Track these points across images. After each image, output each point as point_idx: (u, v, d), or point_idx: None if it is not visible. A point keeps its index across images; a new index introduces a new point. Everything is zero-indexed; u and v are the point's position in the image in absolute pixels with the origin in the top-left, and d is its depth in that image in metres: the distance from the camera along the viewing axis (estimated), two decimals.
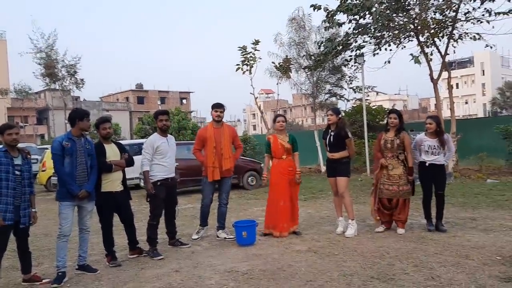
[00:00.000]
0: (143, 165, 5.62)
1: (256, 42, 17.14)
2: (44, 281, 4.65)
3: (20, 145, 4.75)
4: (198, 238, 6.18)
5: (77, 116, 4.90)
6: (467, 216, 7.08)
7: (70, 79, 28.80)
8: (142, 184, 11.77)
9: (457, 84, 61.36)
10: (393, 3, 12.40)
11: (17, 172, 4.36)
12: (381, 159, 6.28)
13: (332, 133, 6.28)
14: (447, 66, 13.59)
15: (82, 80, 29.32)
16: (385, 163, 6.21)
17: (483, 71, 59.85)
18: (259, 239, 6.10)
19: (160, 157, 5.67)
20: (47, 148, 19.39)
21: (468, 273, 4.27)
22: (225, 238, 6.25)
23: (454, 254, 4.92)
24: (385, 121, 6.57)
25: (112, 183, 5.26)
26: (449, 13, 12.76)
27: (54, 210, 10.24)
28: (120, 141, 6.80)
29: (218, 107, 6.30)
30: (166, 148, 5.73)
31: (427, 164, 6.22)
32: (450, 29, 12.96)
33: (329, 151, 6.34)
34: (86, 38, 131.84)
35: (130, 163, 5.48)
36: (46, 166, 15.05)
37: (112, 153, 5.32)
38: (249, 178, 13.09)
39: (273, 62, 17.77)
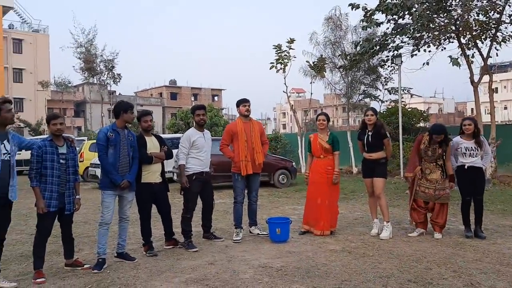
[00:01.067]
0: (179, 159, 5.73)
1: (291, 41, 17.09)
2: (85, 266, 4.82)
3: None
4: (240, 239, 6.04)
5: (122, 108, 5.07)
6: (507, 224, 6.86)
7: (108, 73, 29.60)
8: (175, 178, 11.98)
9: (496, 89, 59.33)
10: (434, 4, 12.12)
11: (62, 161, 4.52)
12: (417, 168, 6.14)
13: (370, 133, 6.21)
14: (488, 69, 13.19)
15: (119, 75, 30.10)
16: (419, 174, 6.09)
17: None
18: (292, 236, 6.12)
19: (196, 151, 5.76)
20: (84, 140, 20.03)
21: (510, 281, 4.15)
22: (258, 234, 6.29)
23: (494, 261, 4.79)
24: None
25: (152, 174, 5.40)
26: (493, 14, 12.36)
27: (91, 199, 10.60)
28: None
29: (245, 101, 6.29)
30: (203, 143, 5.82)
31: (466, 167, 6.06)
32: (493, 31, 12.56)
33: (367, 151, 6.27)
34: (123, 34, 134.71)
35: (170, 155, 5.61)
36: (83, 157, 15.51)
37: (152, 145, 5.46)
38: (280, 176, 13.09)
39: (307, 61, 17.69)
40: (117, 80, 29.96)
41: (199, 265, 4.89)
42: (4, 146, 4.23)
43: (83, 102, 49.75)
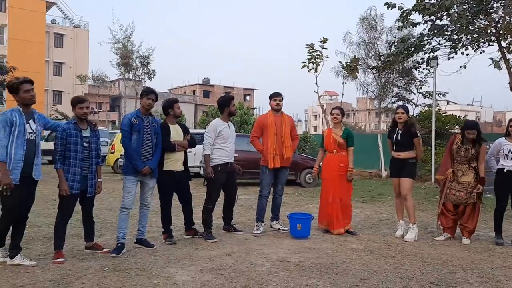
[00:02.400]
0: (205, 149, 5.71)
1: (324, 40, 16.91)
2: (104, 250, 4.88)
3: None
4: (260, 233, 5.99)
5: (142, 93, 5.20)
6: None
7: (143, 69, 30.12)
8: (202, 172, 12.04)
9: None
10: (475, 5, 11.71)
11: (85, 144, 4.57)
12: (449, 170, 5.92)
13: (400, 131, 6.02)
14: None
15: (153, 71, 30.54)
16: (451, 176, 5.86)
17: None
18: (313, 233, 6.00)
19: (222, 142, 5.74)
20: (117, 133, 20.49)
21: None
22: (279, 229, 6.21)
23: None
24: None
25: (174, 162, 5.41)
26: None
27: (119, 189, 10.73)
28: None
29: (277, 95, 6.23)
30: (228, 133, 5.80)
31: (505, 170, 5.78)
32: None
33: (395, 150, 6.09)
34: (160, 31, 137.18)
35: (193, 144, 5.63)
36: (114, 149, 15.85)
37: (176, 133, 5.48)
38: (307, 176, 12.93)
39: (340, 62, 17.43)
40: (152, 76, 30.41)
41: (216, 256, 4.86)
42: (30, 125, 4.31)
43: (118, 97, 50.93)
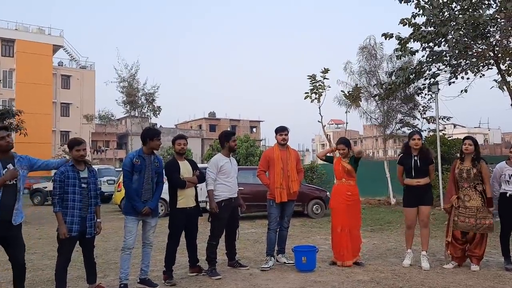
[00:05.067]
0: (208, 184, 5.73)
1: (326, 71, 17.08)
2: None
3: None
4: (269, 268, 5.89)
5: (148, 135, 5.17)
6: None
7: (149, 106, 30.57)
8: (208, 207, 12.02)
9: None
10: (471, 31, 11.88)
11: (83, 185, 4.58)
12: (453, 197, 5.88)
13: (416, 158, 5.93)
14: None
15: (159, 107, 30.99)
16: (456, 203, 5.82)
17: None
18: (320, 265, 5.92)
19: (224, 177, 5.77)
20: None
21: None
22: (284, 262, 6.14)
23: None
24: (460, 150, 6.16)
25: (186, 199, 5.46)
26: None
27: None
28: None
29: (282, 130, 6.30)
30: (229, 168, 5.83)
31: (508, 195, 5.73)
32: None
33: (414, 177, 5.92)
34: (165, 68, 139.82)
35: (202, 179, 5.68)
36: (121, 187, 15.90)
37: (185, 169, 5.53)
38: (314, 206, 12.83)
39: (342, 91, 17.59)
40: (157, 112, 30.84)
41: None
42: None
43: (125, 135, 51.48)
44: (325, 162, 6.91)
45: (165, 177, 5.42)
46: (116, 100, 31.37)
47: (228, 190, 5.76)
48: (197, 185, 5.67)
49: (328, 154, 6.57)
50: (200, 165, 9.59)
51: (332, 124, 70.71)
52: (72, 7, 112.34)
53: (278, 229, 6.18)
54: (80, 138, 4.94)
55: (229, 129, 30.44)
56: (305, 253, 5.71)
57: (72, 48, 47.48)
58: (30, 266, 6.34)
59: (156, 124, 50.80)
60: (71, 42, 72.62)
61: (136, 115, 32.38)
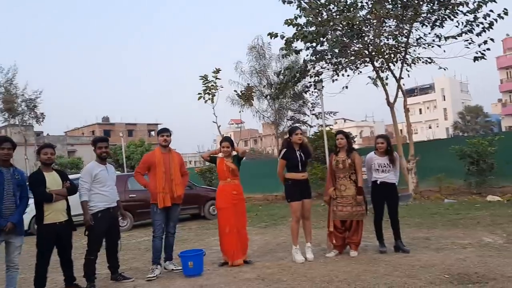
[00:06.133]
0: (81, 195, 5.29)
1: (217, 71, 17.14)
2: None
3: None
4: (155, 277, 5.61)
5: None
6: (421, 236, 7.02)
7: (30, 113, 28.06)
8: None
9: (420, 110, 63.20)
10: (348, 30, 12.72)
11: None
12: (330, 189, 6.18)
13: (299, 152, 6.01)
14: (402, 90, 13.90)
15: (42, 114, 28.60)
16: (334, 194, 6.12)
17: (444, 96, 61.86)
18: (208, 269, 5.82)
19: (100, 186, 5.38)
20: None
21: None
22: (172, 269, 5.93)
23: (402, 275, 4.79)
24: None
25: (54, 213, 4.96)
26: (401, 39, 13.17)
27: None
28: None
29: (164, 131, 6.09)
30: (105, 176, 5.45)
31: (378, 182, 6.17)
32: (403, 54, 13.34)
33: (301, 171, 6.00)
34: (48, 72, 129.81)
35: (73, 191, 5.21)
36: None
37: (53, 181, 5.03)
38: (211, 208, 12.75)
39: (235, 91, 17.82)
40: (40, 119, 28.43)
41: None
42: None
43: None
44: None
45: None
46: None
47: (105, 200, 5.39)
48: (69, 197, 5.20)
49: (212, 155, 6.49)
50: (74, 176, 9.01)
51: (232, 123, 71.45)
52: None
53: (164, 236, 5.95)
54: None
55: (121, 135, 28.97)
56: (191, 258, 5.57)
57: None
58: None
59: (41, 132, 46.96)
60: None
61: (17, 123, 29.53)
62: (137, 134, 57.11)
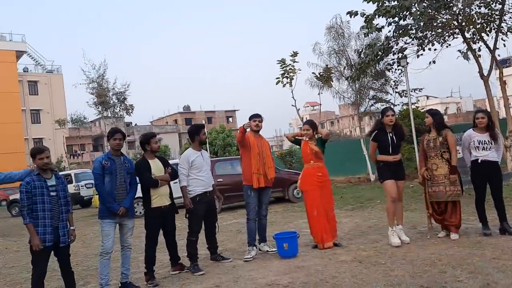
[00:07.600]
0: (181, 181, 5.62)
1: (295, 54, 17.09)
2: None
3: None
4: (252, 258, 5.84)
5: (108, 135, 5.10)
6: None
7: (120, 105, 30.06)
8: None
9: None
10: (434, 1, 11.95)
11: (52, 193, 4.38)
12: (422, 169, 5.95)
13: (391, 134, 5.90)
14: (497, 61, 12.84)
15: (131, 105, 30.54)
16: (427, 175, 5.87)
17: None
18: (303, 250, 5.91)
19: (197, 171, 5.66)
20: None
21: None
22: (267, 251, 6.10)
23: None
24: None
25: (160, 198, 5.34)
26: (495, 6, 12.11)
27: None
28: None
29: (256, 116, 6.21)
30: (201, 162, 5.71)
31: (479, 161, 5.80)
32: (497, 22, 12.27)
33: (391, 153, 5.89)
34: (135, 65, 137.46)
35: (175, 176, 5.57)
36: None
37: (156, 168, 5.41)
38: (295, 191, 12.85)
39: (313, 73, 17.61)
40: (130, 111, 30.40)
41: None
42: None
43: (100, 136, 50.57)
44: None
45: None
46: (87, 102, 30.70)
47: (202, 185, 5.66)
48: (171, 182, 5.55)
49: (297, 137, 6.50)
50: (173, 161, 9.53)
51: (308, 106, 70.88)
52: (30, 11, 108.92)
53: (257, 218, 6.12)
54: (42, 146, 4.75)
55: (203, 122, 30.16)
56: (286, 240, 5.68)
57: (36, 53, 46.10)
58: (8, 281, 6.18)
59: (130, 123, 50.13)
60: (34, 46, 70.50)
61: (109, 115, 31.80)
62: (216, 121, 58.82)
